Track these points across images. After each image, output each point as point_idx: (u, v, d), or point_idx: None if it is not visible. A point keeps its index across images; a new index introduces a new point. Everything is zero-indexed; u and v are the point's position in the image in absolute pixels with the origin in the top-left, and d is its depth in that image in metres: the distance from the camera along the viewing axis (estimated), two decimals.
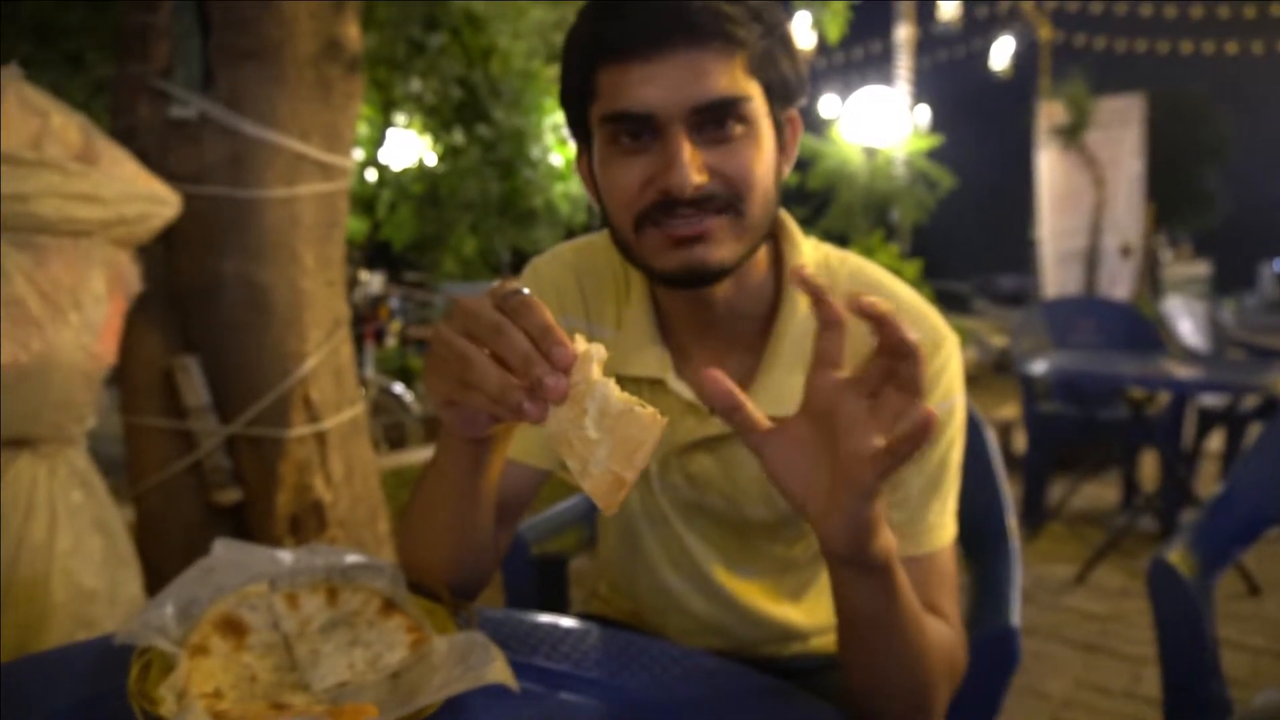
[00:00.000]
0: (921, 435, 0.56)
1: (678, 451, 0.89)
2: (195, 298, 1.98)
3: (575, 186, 5.71)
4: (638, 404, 0.56)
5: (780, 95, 0.79)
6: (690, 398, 0.87)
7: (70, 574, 1.50)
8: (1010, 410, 4.88)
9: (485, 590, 0.85)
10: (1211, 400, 3.66)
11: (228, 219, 1.94)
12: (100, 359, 1.54)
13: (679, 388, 0.87)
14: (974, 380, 6.38)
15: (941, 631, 0.76)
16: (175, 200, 1.66)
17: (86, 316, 1.48)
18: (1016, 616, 1.05)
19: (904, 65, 7.76)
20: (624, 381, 0.61)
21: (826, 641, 1.00)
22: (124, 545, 1.65)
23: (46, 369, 1.43)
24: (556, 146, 5.52)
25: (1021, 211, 7.79)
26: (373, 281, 6.49)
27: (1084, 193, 6.67)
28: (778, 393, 0.83)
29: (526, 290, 0.59)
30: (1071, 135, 6.59)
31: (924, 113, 8.56)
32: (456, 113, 5.03)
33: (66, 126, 1.45)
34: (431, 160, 5.40)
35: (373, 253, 6.29)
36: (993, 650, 1.02)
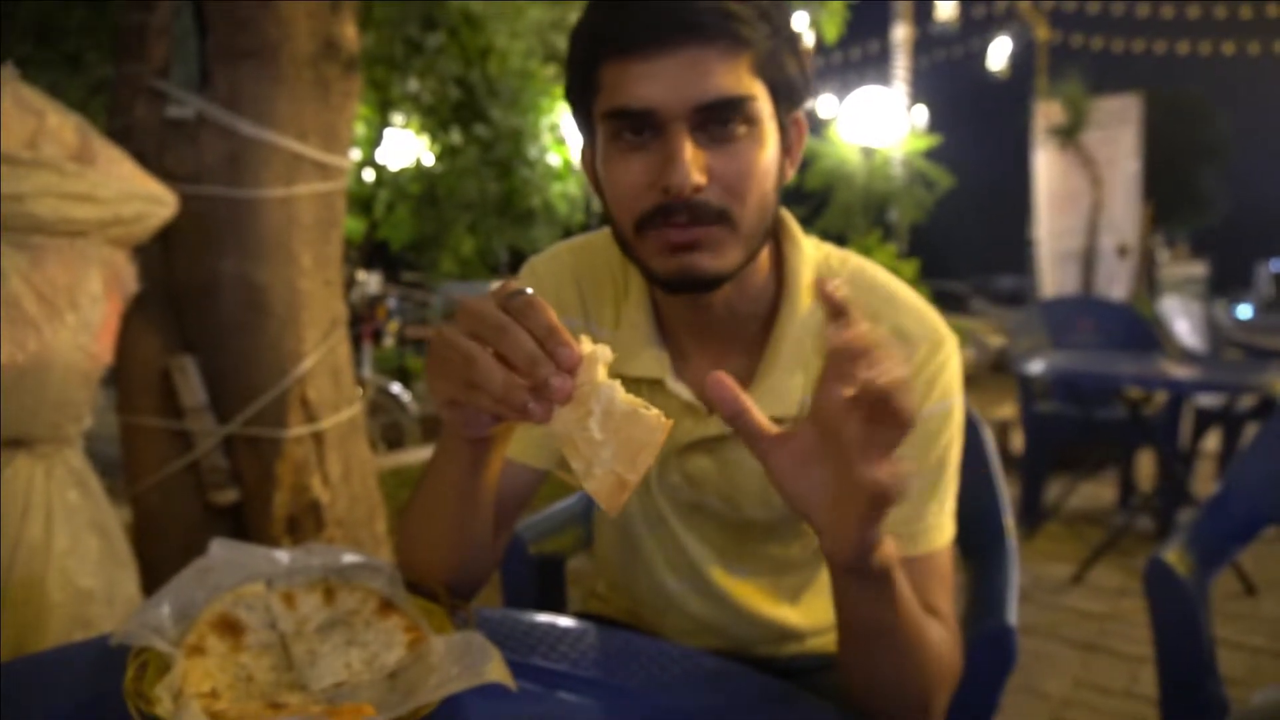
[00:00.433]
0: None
1: (676, 452, 0.89)
2: (192, 297, 1.97)
3: (573, 186, 5.70)
4: (643, 406, 0.56)
5: (786, 96, 0.78)
6: (689, 398, 0.86)
7: (67, 574, 1.50)
8: (1008, 410, 4.89)
9: (483, 590, 0.85)
10: (1208, 400, 3.67)
11: (225, 219, 1.94)
12: (97, 359, 1.54)
13: (677, 388, 0.87)
14: (972, 380, 6.39)
15: (939, 634, 0.76)
16: (172, 200, 1.66)
17: (83, 316, 1.48)
18: (1013, 616, 1.05)
19: (901, 65, 7.77)
20: (622, 381, 0.61)
21: (823, 641, 1.00)
22: (121, 545, 1.65)
23: (43, 369, 1.43)
24: (554, 146, 5.52)
25: (1019, 211, 7.81)
26: (370, 281, 6.49)
27: (1081, 193, 6.68)
28: (777, 393, 0.83)
29: (530, 291, 0.59)
30: (1069, 135, 6.60)
31: (921, 113, 8.56)
32: (454, 112, 5.02)
33: (63, 126, 1.45)
34: (429, 160, 5.39)
35: (370, 253, 6.28)
36: (990, 650, 1.02)
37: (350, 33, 2.11)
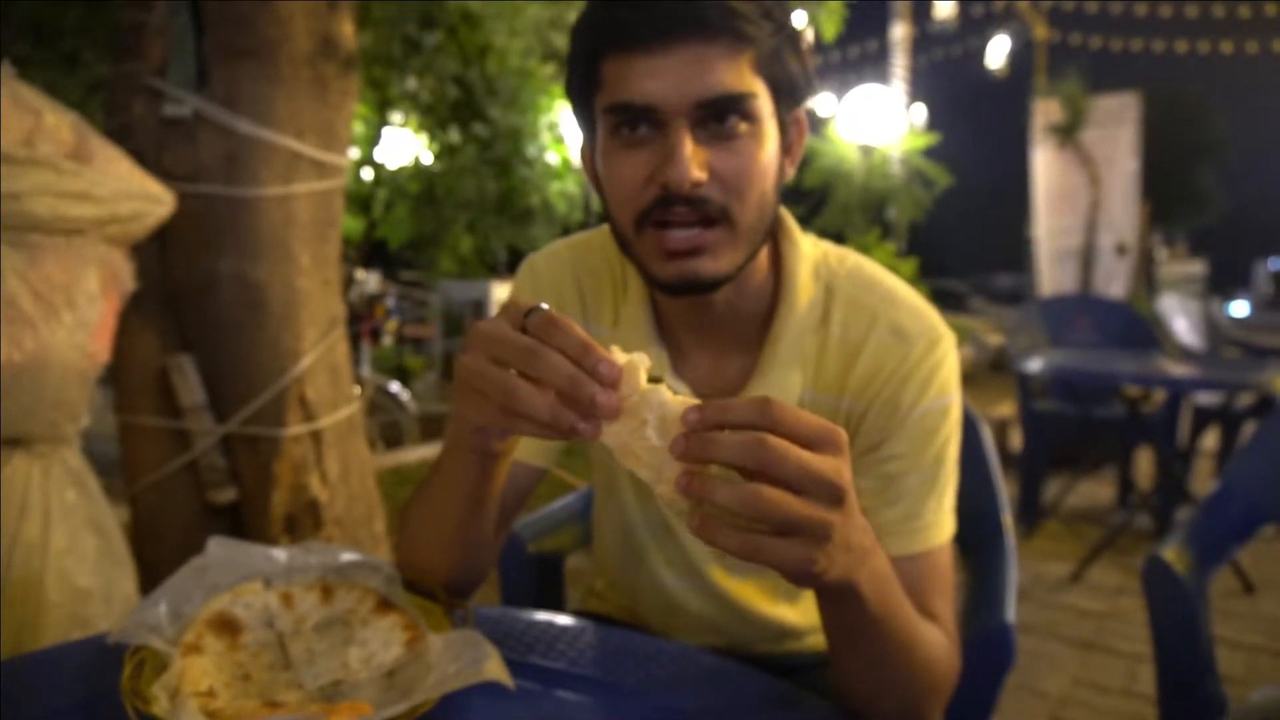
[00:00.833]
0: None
1: None
2: (190, 296, 1.97)
3: (572, 185, 5.69)
4: (695, 404, 0.55)
5: (787, 94, 0.78)
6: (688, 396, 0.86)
7: (65, 573, 1.49)
8: (1006, 408, 4.89)
9: (481, 588, 0.85)
10: (1207, 398, 3.67)
11: (223, 217, 1.93)
12: (94, 358, 1.54)
13: (677, 386, 0.87)
14: (970, 378, 6.39)
15: (935, 638, 0.76)
16: (169, 198, 1.65)
17: (80, 315, 1.48)
18: (1012, 614, 1.05)
19: (900, 64, 7.76)
20: None
21: (821, 640, 1.00)
22: (119, 544, 1.64)
23: (40, 368, 1.43)
24: (553, 145, 5.51)
25: (1018, 210, 7.81)
26: (369, 280, 6.49)
27: (1080, 191, 6.68)
28: (776, 390, 0.83)
29: (545, 306, 0.58)
30: (1067, 134, 6.60)
31: (920, 111, 8.56)
32: (453, 111, 5.01)
33: (59, 125, 1.44)
34: (428, 159, 5.38)
35: (369, 252, 6.27)
36: (988, 648, 1.02)
37: (348, 31, 2.10)
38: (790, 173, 0.82)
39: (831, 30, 3.98)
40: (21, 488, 1.47)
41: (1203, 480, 4.07)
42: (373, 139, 5.35)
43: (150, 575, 1.83)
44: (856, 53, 9.75)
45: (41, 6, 3.58)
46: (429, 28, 4.49)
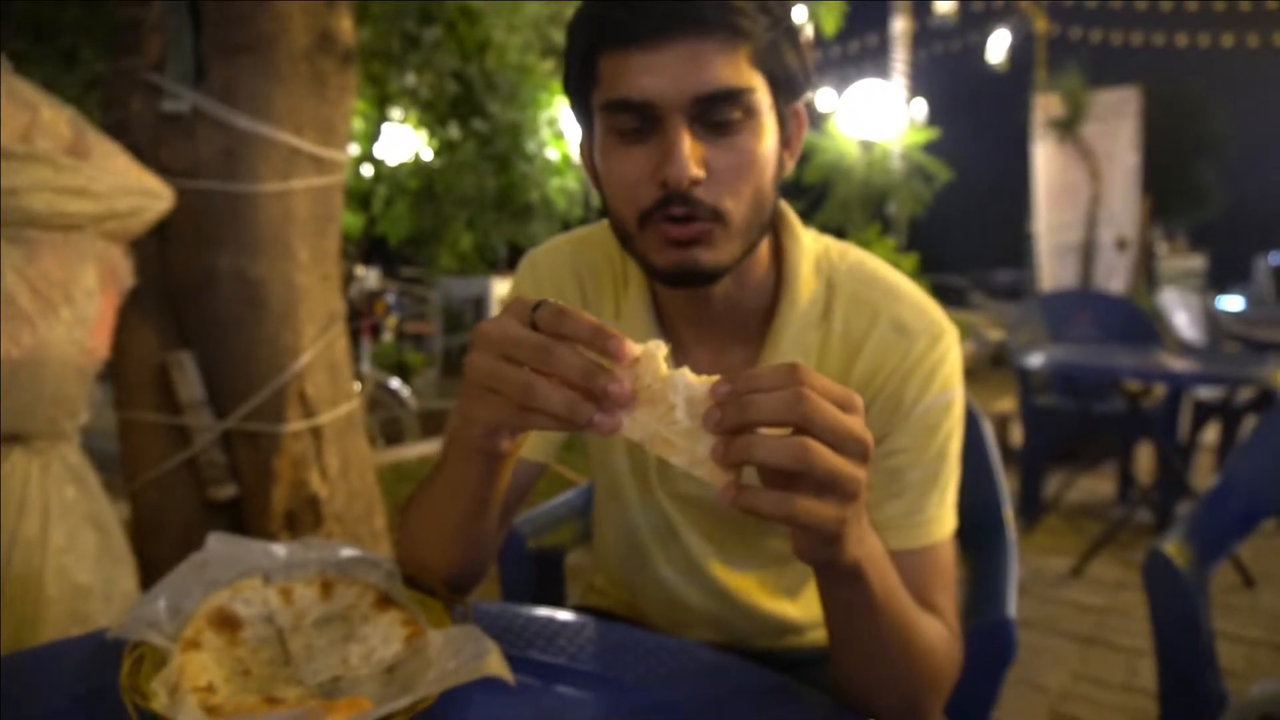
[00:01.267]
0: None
1: None
2: (189, 292, 1.97)
3: (572, 181, 5.69)
4: (720, 379, 0.55)
5: (785, 88, 0.78)
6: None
7: (64, 570, 1.49)
8: (1007, 403, 4.89)
9: (481, 584, 0.85)
10: (1207, 393, 3.67)
11: (221, 213, 1.93)
12: (93, 354, 1.54)
13: None
14: (971, 374, 6.39)
15: (935, 629, 0.76)
16: (167, 194, 1.65)
17: (78, 311, 1.47)
18: (1013, 609, 1.05)
19: (900, 58, 7.75)
20: None
21: (822, 635, 0.99)
22: (118, 541, 1.64)
23: (38, 364, 1.43)
24: (553, 141, 5.50)
25: (1018, 205, 7.80)
26: (369, 277, 6.48)
27: (1080, 186, 6.68)
28: None
29: (551, 300, 0.58)
30: (1068, 128, 6.59)
31: (920, 106, 8.54)
32: (452, 107, 5.00)
33: (56, 120, 1.44)
34: (427, 155, 5.37)
35: (369, 248, 6.26)
36: (989, 642, 1.02)
37: (346, 26, 2.10)
38: (790, 166, 0.82)
39: (831, 25, 3.98)
40: (21, 484, 1.47)
41: (1203, 475, 4.07)
42: (372, 135, 5.34)
43: (150, 571, 1.83)
44: (856, 48, 9.73)
45: (39, 3, 3.58)
46: (428, 23, 4.49)
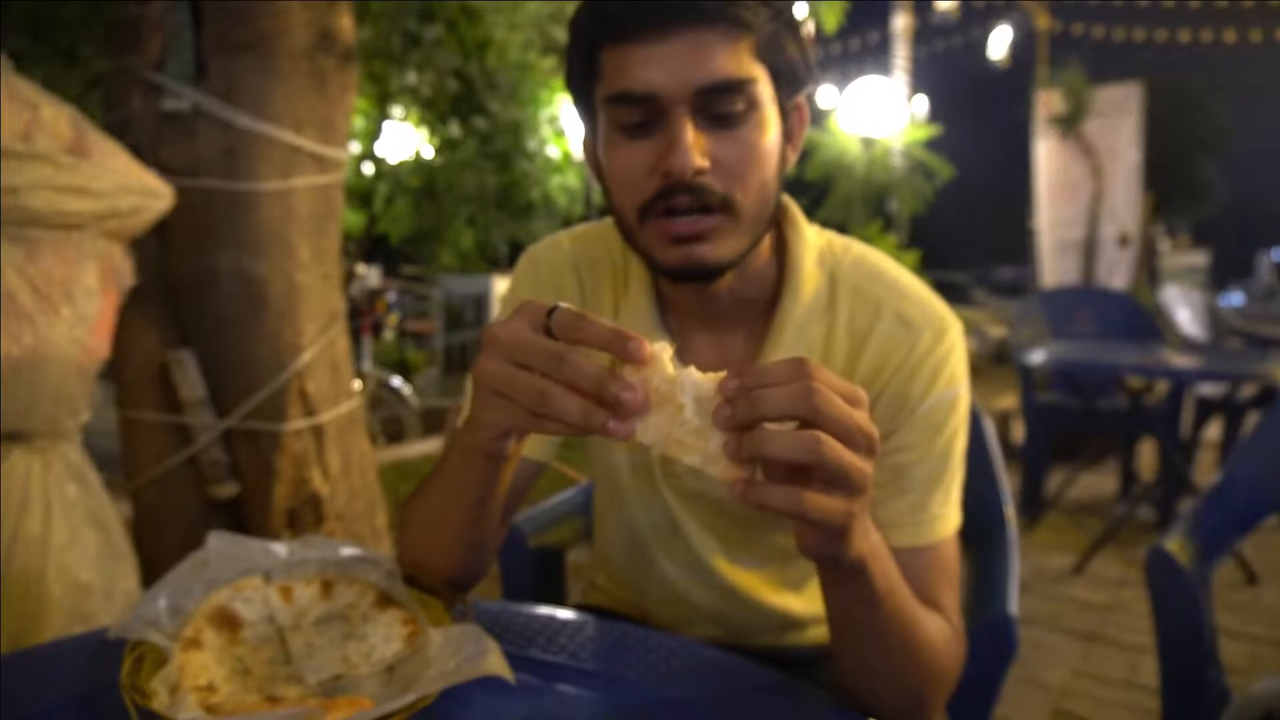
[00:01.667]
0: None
1: None
2: (190, 291, 1.97)
3: (573, 179, 5.69)
4: (725, 375, 0.55)
5: (787, 81, 0.77)
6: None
7: (66, 568, 1.49)
8: (1009, 400, 4.89)
9: (482, 582, 0.85)
10: (1209, 389, 3.67)
11: (222, 212, 1.93)
12: (94, 353, 1.54)
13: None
14: (973, 370, 6.35)
15: (937, 627, 0.75)
16: (168, 193, 1.65)
17: (79, 310, 1.47)
18: (1014, 606, 1.05)
19: (901, 55, 7.74)
20: None
21: (824, 631, 0.99)
22: (120, 539, 1.64)
23: (39, 363, 1.43)
24: (553, 139, 5.50)
25: (1020, 202, 7.79)
26: (370, 275, 6.48)
27: (1082, 182, 6.67)
28: None
29: (564, 305, 0.58)
30: (1069, 125, 6.58)
31: (921, 103, 8.53)
32: (453, 105, 5.00)
33: (57, 119, 1.44)
34: (428, 153, 5.38)
35: (370, 246, 6.26)
36: (990, 640, 1.02)
37: (346, 24, 2.10)
38: (792, 160, 0.82)
39: (833, 22, 3.97)
40: (22, 483, 1.47)
41: (1205, 472, 4.06)
42: (373, 133, 5.34)
43: (151, 570, 1.83)
44: (858, 44, 9.71)
45: (40, 2, 3.58)
46: (429, 21, 4.48)
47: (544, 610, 0.84)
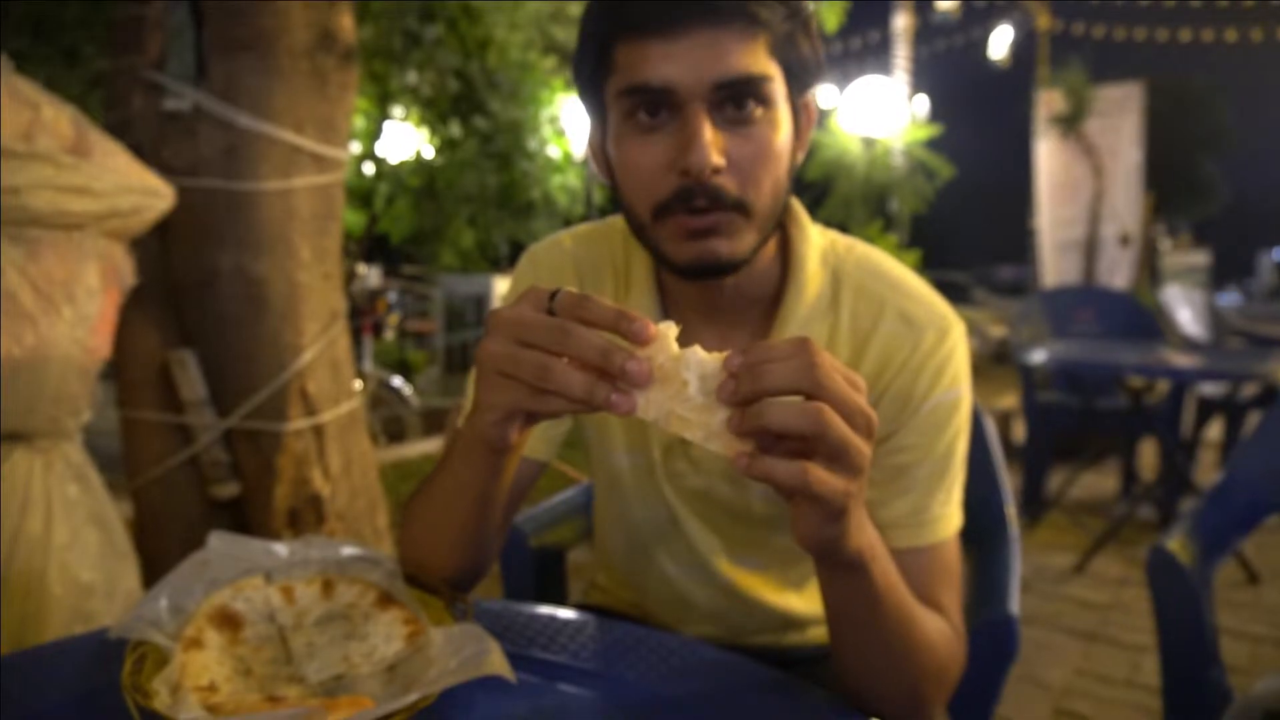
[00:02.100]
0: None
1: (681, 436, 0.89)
2: (191, 291, 1.97)
3: (573, 178, 5.69)
4: (730, 353, 0.56)
5: (799, 79, 0.77)
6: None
7: (67, 568, 1.49)
8: (1010, 400, 4.89)
9: (483, 581, 0.85)
10: (1211, 389, 3.67)
11: (223, 211, 1.93)
12: (95, 353, 1.54)
13: None
14: (973, 370, 6.35)
15: (937, 627, 0.75)
16: (169, 193, 1.65)
17: (80, 310, 1.48)
18: (1015, 606, 1.05)
19: (902, 55, 7.74)
20: None
21: (823, 631, 0.99)
22: (121, 539, 1.64)
23: (40, 363, 1.43)
24: (554, 138, 5.50)
25: (1021, 201, 7.79)
26: (371, 275, 6.49)
27: (1083, 182, 6.66)
28: None
29: (566, 288, 0.58)
30: (1070, 124, 6.57)
31: (922, 102, 8.53)
32: (453, 105, 5.01)
33: (58, 119, 1.44)
34: (429, 153, 5.38)
35: (370, 246, 6.27)
36: (992, 639, 1.02)
37: (347, 24, 2.10)
38: (800, 158, 0.82)
39: (833, 22, 3.98)
40: (23, 483, 1.47)
41: (1206, 471, 4.06)
42: (373, 133, 5.34)
43: (153, 570, 1.83)
44: (858, 44, 9.72)
45: (41, 2, 3.58)
46: (429, 21, 4.48)
47: (545, 610, 0.84)
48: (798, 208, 0.88)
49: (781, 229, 0.86)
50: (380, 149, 5.46)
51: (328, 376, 2.10)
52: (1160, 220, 9.77)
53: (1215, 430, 3.99)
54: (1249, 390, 3.54)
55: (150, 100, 1.92)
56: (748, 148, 0.74)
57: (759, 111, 0.74)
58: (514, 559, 1.25)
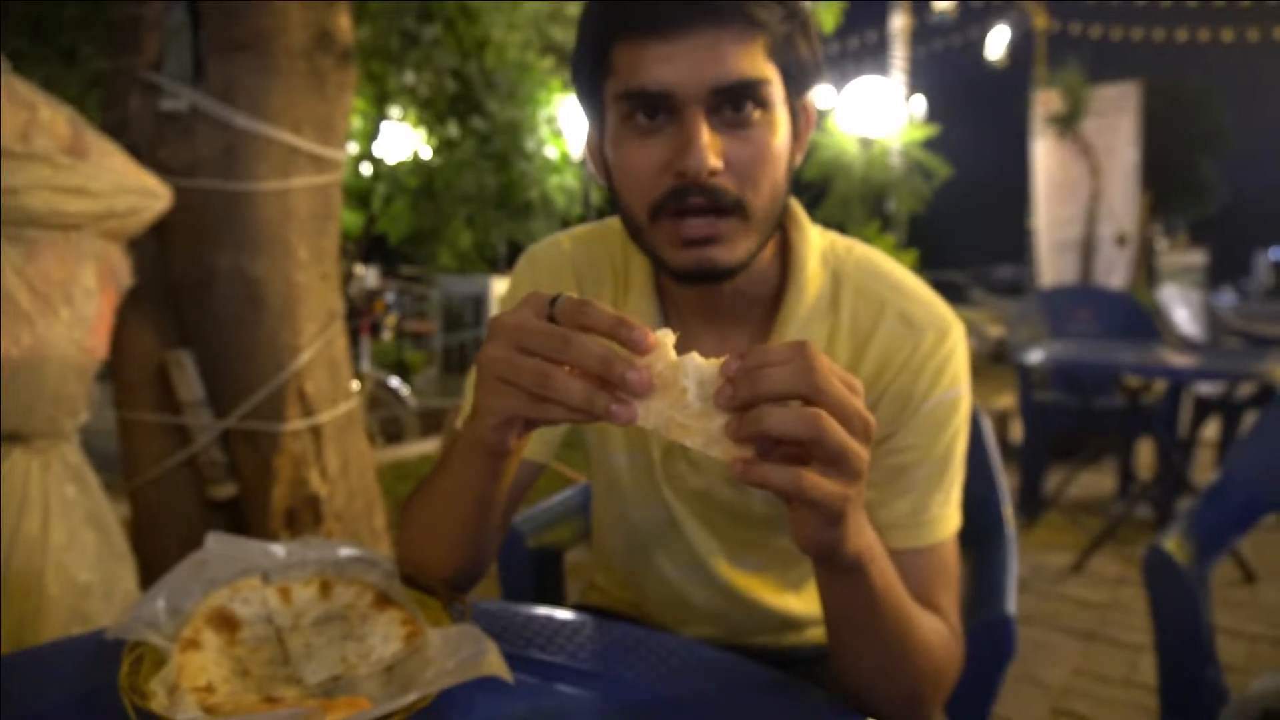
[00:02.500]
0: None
1: None
2: (189, 291, 1.97)
3: (571, 179, 5.69)
4: (728, 358, 0.56)
5: (798, 81, 0.77)
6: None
7: (65, 569, 1.49)
8: (1007, 399, 4.89)
9: (481, 582, 0.85)
10: (1207, 388, 3.67)
11: (220, 212, 1.93)
12: (92, 353, 1.53)
13: None
14: (971, 370, 6.37)
15: (935, 628, 0.75)
16: (166, 193, 1.65)
17: (77, 311, 1.47)
18: (1012, 605, 1.05)
19: (899, 55, 7.74)
20: None
21: (822, 632, 0.99)
22: (118, 540, 1.64)
23: (38, 363, 1.43)
24: (552, 139, 5.50)
25: (1018, 201, 7.80)
26: (368, 275, 6.48)
27: (1080, 182, 6.67)
28: None
29: (567, 295, 0.58)
30: (1067, 124, 6.58)
31: (920, 103, 8.53)
32: (451, 105, 5.00)
33: (55, 119, 1.44)
34: (426, 153, 5.38)
35: (368, 246, 6.26)
36: (989, 639, 1.02)
37: (344, 24, 2.10)
38: (799, 160, 0.82)
39: (831, 22, 3.98)
40: (21, 483, 1.47)
41: (1203, 470, 4.07)
42: (371, 133, 5.34)
43: (150, 570, 1.83)
44: (856, 44, 9.72)
45: (39, 2, 3.57)
46: (427, 21, 4.48)
47: (543, 610, 0.84)
48: (797, 209, 0.88)
49: (781, 230, 0.86)
50: (378, 149, 5.46)
51: (325, 377, 2.10)
52: (1157, 220, 9.78)
53: (1212, 430, 3.99)
54: (1245, 390, 3.54)
55: (148, 100, 1.92)
56: (746, 150, 0.74)
57: (757, 114, 0.74)
58: (512, 559, 1.25)
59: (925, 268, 5.45)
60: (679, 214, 0.74)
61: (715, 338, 0.87)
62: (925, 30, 9.73)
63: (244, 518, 2.03)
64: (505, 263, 7.89)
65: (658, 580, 0.98)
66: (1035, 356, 3.21)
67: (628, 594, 1.06)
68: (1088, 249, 6.65)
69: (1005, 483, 1.18)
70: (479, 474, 0.70)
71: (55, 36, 3.72)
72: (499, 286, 7.10)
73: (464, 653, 0.63)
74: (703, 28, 0.71)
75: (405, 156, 5.49)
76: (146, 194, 1.59)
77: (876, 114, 6.47)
